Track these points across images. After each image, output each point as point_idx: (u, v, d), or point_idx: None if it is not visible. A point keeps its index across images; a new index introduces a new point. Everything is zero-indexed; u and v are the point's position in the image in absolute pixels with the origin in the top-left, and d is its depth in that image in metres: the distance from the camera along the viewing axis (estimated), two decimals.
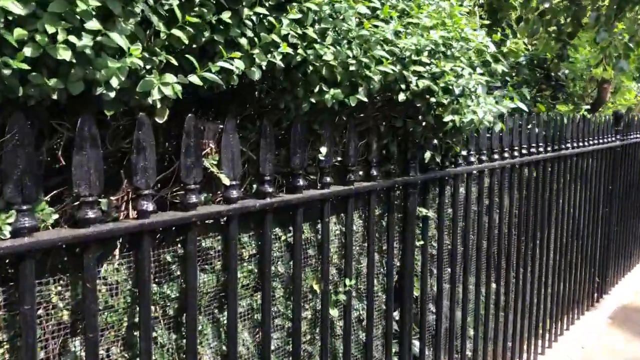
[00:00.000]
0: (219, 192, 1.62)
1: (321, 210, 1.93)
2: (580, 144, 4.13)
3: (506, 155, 3.11)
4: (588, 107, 4.38)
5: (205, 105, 1.75)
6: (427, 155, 2.25)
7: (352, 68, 1.65)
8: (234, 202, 1.60)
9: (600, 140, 4.53)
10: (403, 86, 1.93)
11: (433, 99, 2.00)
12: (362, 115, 2.07)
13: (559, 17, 3.57)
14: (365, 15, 1.81)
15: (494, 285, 3.20)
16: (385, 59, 1.72)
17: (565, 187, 3.98)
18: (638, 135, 5.62)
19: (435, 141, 2.30)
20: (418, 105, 2.02)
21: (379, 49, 1.70)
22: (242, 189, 1.72)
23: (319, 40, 1.61)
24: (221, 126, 1.59)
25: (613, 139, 4.84)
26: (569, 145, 3.90)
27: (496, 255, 3.20)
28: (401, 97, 1.93)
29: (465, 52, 2.09)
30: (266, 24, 1.48)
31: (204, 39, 1.32)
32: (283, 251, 1.85)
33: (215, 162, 1.56)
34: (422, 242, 2.47)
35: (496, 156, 2.99)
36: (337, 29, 1.68)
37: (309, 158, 1.90)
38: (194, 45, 1.34)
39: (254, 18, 1.43)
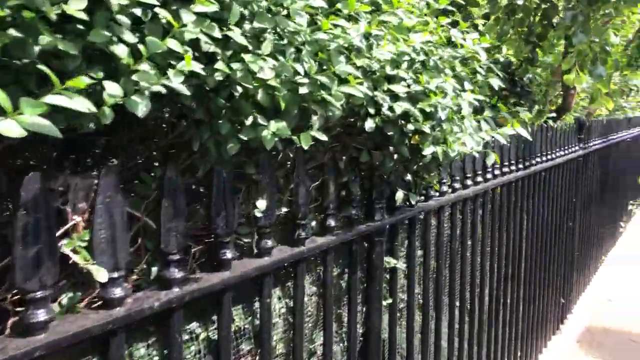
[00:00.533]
0: (92, 290, 1.02)
1: (260, 286, 1.36)
2: (549, 156, 3.74)
3: (479, 179, 2.63)
4: (553, 114, 3.99)
5: (85, 147, 1.15)
6: (399, 196, 1.72)
7: (302, 90, 1.08)
8: (118, 305, 1.00)
9: (566, 151, 4.17)
10: (372, 110, 1.39)
11: (410, 126, 1.47)
12: (314, 148, 1.52)
13: (530, 16, 3.14)
14: (322, 11, 1.24)
15: (466, 327, 2.72)
16: (351, 76, 1.16)
17: (534, 206, 3.57)
18: (598, 142, 5.34)
19: (409, 176, 1.77)
20: (389, 133, 1.48)
21: (342, 61, 1.14)
22: (135, 275, 1.13)
23: (250, 48, 1.04)
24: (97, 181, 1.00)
25: (576, 148, 4.50)
26: (538, 159, 3.49)
27: (469, 294, 2.72)
28: (369, 124, 1.39)
29: (452, 62, 1.57)
30: (164, 22, 0.90)
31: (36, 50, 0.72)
32: (203, 354, 1.26)
33: (84, 244, 0.96)
34: (390, 300, 1.94)
35: (469, 182, 2.51)
36: (279, 30, 1.12)
37: (240, 215, 1.32)
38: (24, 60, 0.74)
39: (138, 12, 0.84)
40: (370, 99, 1.33)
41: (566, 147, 4.17)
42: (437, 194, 2.24)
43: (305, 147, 1.11)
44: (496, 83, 1.88)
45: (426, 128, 1.45)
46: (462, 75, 1.65)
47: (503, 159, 2.95)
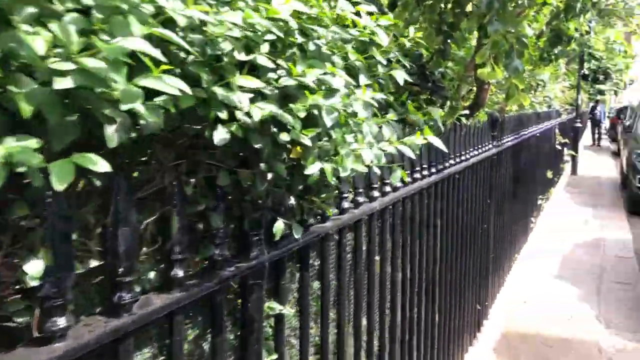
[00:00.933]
0: None
1: None
2: (464, 157, 3.46)
3: (388, 189, 2.26)
4: (466, 111, 3.71)
5: None
6: (278, 227, 1.28)
7: (61, 84, 0.62)
8: None
9: (480, 150, 3.93)
10: (223, 114, 0.94)
11: (285, 136, 1.05)
12: (146, 165, 1.05)
13: (442, 3, 2.81)
14: None
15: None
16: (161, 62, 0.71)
17: (448, 211, 3.28)
18: (510, 139, 5.19)
19: (292, 200, 1.34)
20: (257, 146, 1.05)
21: (136, 31, 0.68)
22: None
23: None
24: None
25: (490, 146, 4.29)
26: (452, 161, 3.19)
27: (379, 318, 2.35)
28: (219, 135, 0.95)
29: (342, 46, 1.15)
30: None
31: None
32: None
33: None
34: (275, 357, 1.51)
35: (376, 193, 2.13)
36: None
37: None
38: None
39: None
40: (213, 97, 0.88)
41: (480, 146, 3.92)
42: (336, 210, 1.84)
43: (60, 187, 0.65)
44: (401, 76, 1.49)
45: (306, 139, 1.03)
46: (357, 66, 1.24)
47: (415, 163, 2.60)
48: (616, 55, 18.08)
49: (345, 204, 1.85)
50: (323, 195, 1.44)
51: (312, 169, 1.08)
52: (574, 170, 13.42)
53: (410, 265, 2.68)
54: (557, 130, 10.29)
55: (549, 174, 9.32)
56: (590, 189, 11.92)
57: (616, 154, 18.04)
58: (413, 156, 1.34)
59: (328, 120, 1.03)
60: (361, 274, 2.06)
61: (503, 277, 5.31)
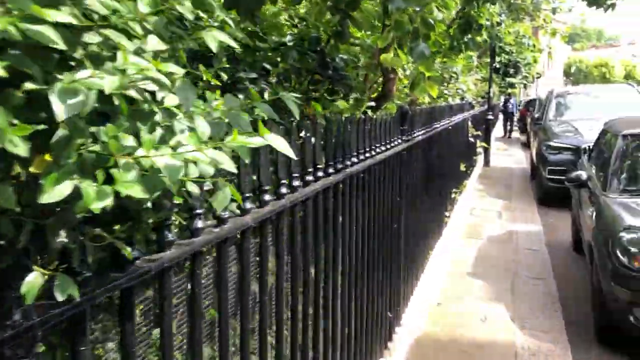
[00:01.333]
0: None
1: None
2: (369, 154, 3.09)
3: (268, 197, 1.83)
4: (372, 103, 3.35)
5: None
6: (31, 285, 0.80)
7: None
8: None
9: (388, 146, 3.59)
10: None
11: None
12: None
13: None
14: None
15: None
16: None
17: (351, 215, 2.91)
18: (421, 132, 4.91)
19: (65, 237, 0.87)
20: None
21: None
22: None
23: None
24: None
25: (400, 141, 3.96)
26: (354, 159, 2.82)
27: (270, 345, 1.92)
28: None
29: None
30: None
31: None
32: None
33: None
34: None
35: (248, 205, 1.69)
36: None
37: None
38: None
39: None
40: None
41: (388, 141, 3.58)
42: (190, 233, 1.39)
43: None
44: (214, 39, 1.01)
45: (19, 143, 0.57)
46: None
47: (306, 164, 2.18)
48: (525, 49, 18.70)
49: (199, 223, 1.40)
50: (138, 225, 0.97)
51: (55, 193, 0.63)
52: (486, 162, 13.63)
53: (304, 284, 2.27)
54: (469, 123, 10.29)
55: (463, 167, 9.28)
56: (502, 180, 12.12)
57: (526, 145, 18.66)
58: (232, 168, 0.92)
59: (61, 109, 0.58)
60: (225, 310, 1.62)
61: (417, 278, 5.05)
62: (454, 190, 8.21)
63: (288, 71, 2.78)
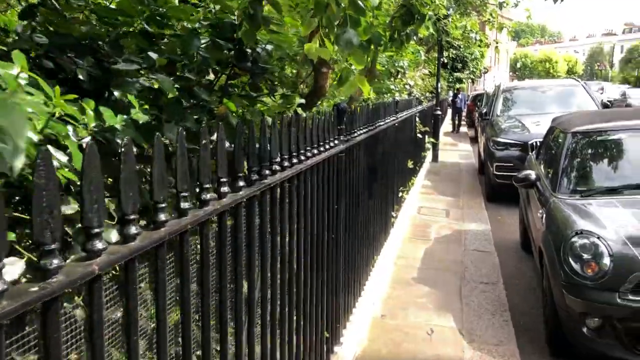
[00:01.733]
0: None
1: None
2: (296, 160, 2.68)
3: (162, 217, 1.39)
4: (302, 100, 2.94)
5: None
6: None
7: None
8: None
9: (322, 148, 3.19)
10: None
11: None
12: None
13: None
14: None
15: None
16: None
17: (276, 229, 2.50)
18: (364, 131, 4.53)
19: None
20: None
21: None
22: None
23: None
24: None
25: (337, 142, 3.57)
26: (276, 166, 2.40)
27: None
28: None
29: None
30: None
31: None
32: None
33: None
34: None
35: (133, 230, 1.26)
36: None
37: None
38: None
39: None
40: None
41: (322, 144, 3.18)
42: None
43: None
44: None
45: None
46: None
47: (201, 179, 1.75)
48: (472, 44, 18.68)
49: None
50: None
51: None
52: (435, 158, 13.48)
53: (220, 310, 1.85)
54: (417, 119, 10.04)
55: (410, 164, 9.01)
56: (451, 176, 11.97)
57: (474, 140, 18.71)
58: None
59: None
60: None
61: (360, 287, 4.68)
62: (401, 188, 7.91)
63: (195, 62, 2.33)
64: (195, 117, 2.18)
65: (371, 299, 4.69)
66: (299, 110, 2.88)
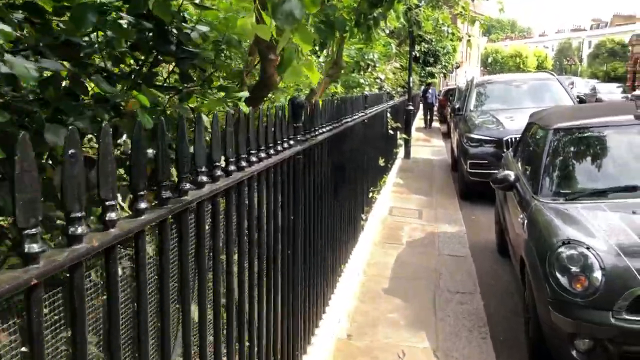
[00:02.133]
0: None
1: None
2: (234, 166, 2.18)
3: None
4: (244, 93, 2.43)
5: None
6: None
7: None
8: None
9: (272, 151, 2.68)
10: None
11: None
12: None
13: None
14: None
15: None
16: None
17: (211, 254, 2.01)
18: (327, 129, 4.04)
19: None
20: None
21: None
22: None
23: None
24: None
25: (292, 142, 3.07)
26: (204, 177, 1.90)
27: None
28: None
29: None
30: None
31: None
32: None
33: None
34: None
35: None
36: None
37: None
38: None
39: None
40: None
41: (272, 145, 2.68)
42: None
43: None
44: None
45: None
46: None
47: (108, 194, 1.24)
48: (444, 37, 18.36)
49: None
50: None
51: None
52: (407, 155, 13.09)
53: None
54: (389, 114, 9.59)
55: (382, 162, 8.57)
56: (424, 173, 11.59)
57: (447, 135, 18.41)
58: None
59: None
60: None
61: (324, 303, 4.20)
62: (371, 188, 7.45)
63: (100, 45, 1.81)
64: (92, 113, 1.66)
65: (337, 315, 4.21)
66: (242, 105, 2.37)
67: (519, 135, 6.48)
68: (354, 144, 5.70)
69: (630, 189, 3.99)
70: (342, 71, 6.05)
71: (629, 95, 25.87)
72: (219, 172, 1.98)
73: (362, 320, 4.26)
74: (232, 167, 2.08)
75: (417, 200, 8.81)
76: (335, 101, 4.60)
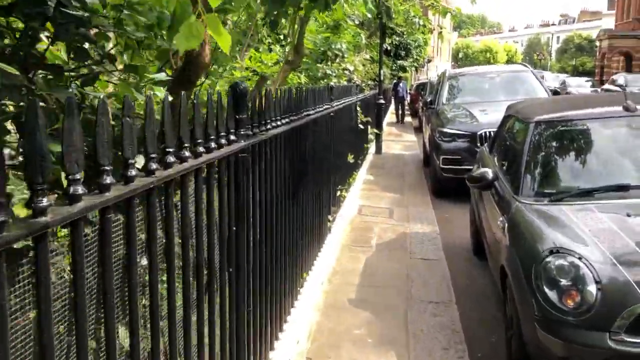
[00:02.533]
0: None
1: None
2: (156, 165, 1.66)
3: None
4: (162, 74, 1.90)
5: None
6: None
7: None
8: None
9: (202, 148, 2.16)
10: None
11: None
12: None
13: None
14: None
15: None
16: None
17: (133, 274, 1.48)
18: (283, 122, 3.51)
19: None
20: None
21: None
22: None
23: None
24: None
25: (233, 138, 2.54)
26: (108, 178, 1.38)
27: None
28: None
29: None
30: None
31: None
32: None
33: None
34: None
35: None
36: None
37: None
38: None
39: None
40: None
41: (201, 142, 2.15)
42: None
43: None
44: None
45: None
46: None
47: None
48: (416, 30, 17.97)
49: None
50: None
51: None
52: (378, 150, 12.66)
53: None
54: (358, 108, 9.11)
55: (351, 158, 8.08)
56: (395, 169, 11.17)
57: (418, 129, 18.05)
58: None
59: None
60: None
61: (281, 321, 3.69)
62: (340, 187, 6.97)
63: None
64: None
65: (296, 334, 3.71)
66: (159, 90, 1.84)
67: (494, 130, 6.06)
68: (319, 139, 5.20)
69: (621, 189, 3.57)
70: (305, 59, 5.55)
71: (598, 89, 25.97)
72: (131, 172, 1.46)
73: (324, 340, 3.76)
74: (131, 172, 1.55)
75: (388, 198, 8.36)
76: (295, 91, 4.08)
